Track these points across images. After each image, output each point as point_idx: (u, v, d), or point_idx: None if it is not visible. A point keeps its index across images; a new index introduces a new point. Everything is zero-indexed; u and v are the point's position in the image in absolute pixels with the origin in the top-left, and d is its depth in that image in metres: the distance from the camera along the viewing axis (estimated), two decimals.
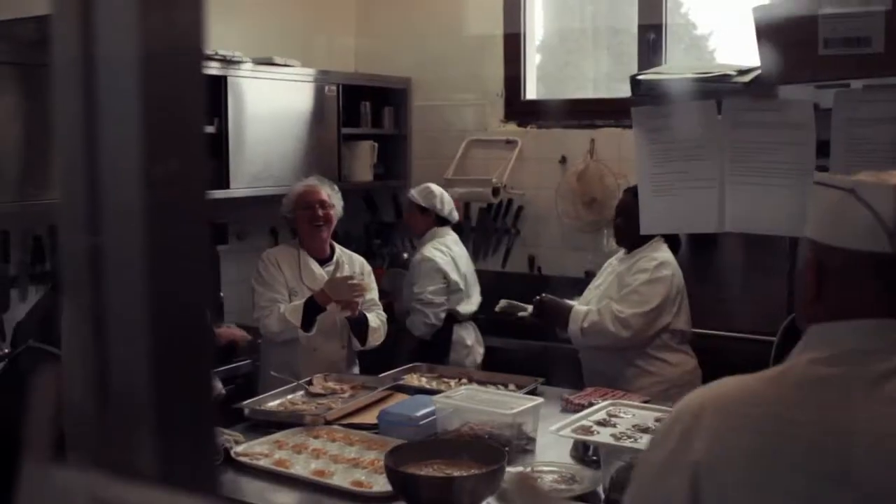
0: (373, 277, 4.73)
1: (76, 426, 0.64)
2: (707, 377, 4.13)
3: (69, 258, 0.64)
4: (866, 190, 1.52)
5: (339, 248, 4.62)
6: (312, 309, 4.22)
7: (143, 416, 0.62)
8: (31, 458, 0.62)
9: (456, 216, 5.25)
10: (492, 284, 5.73)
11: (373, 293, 4.60)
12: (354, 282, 4.29)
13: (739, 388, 1.57)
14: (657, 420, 3.15)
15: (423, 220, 5.17)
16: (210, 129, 5.04)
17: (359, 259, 4.68)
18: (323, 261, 4.48)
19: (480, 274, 5.86)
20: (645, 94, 3.04)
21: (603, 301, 4.10)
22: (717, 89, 2.89)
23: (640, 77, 3.12)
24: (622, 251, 4.28)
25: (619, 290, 4.08)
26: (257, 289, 4.38)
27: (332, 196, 4.49)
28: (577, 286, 5.59)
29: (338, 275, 4.32)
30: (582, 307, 4.16)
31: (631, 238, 4.10)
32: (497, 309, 4.44)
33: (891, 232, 1.47)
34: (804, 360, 1.53)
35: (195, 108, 0.65)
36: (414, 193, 5.19)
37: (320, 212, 4.39)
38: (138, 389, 0.62)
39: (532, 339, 5.27)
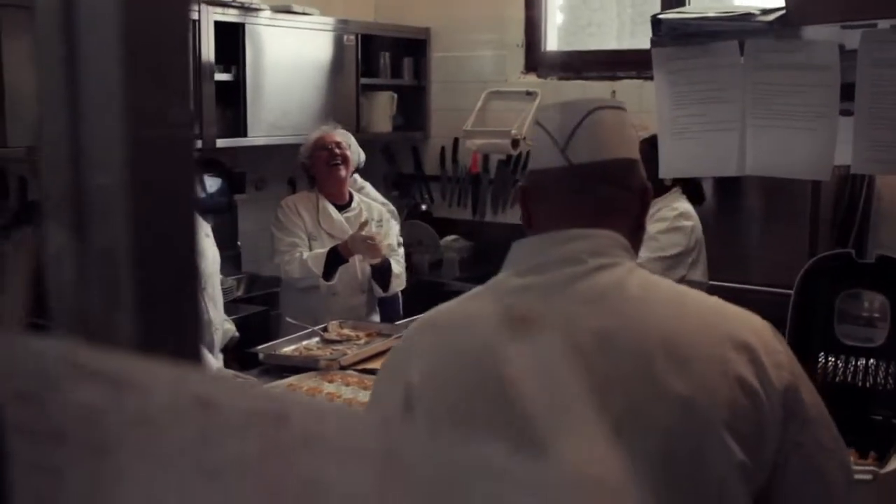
0: (393, 223, 4.70)
1: (55, 293, 0.62)
2: None
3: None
4: (542, 114, 1.69)
5: (357, 196, 4.59)
6: (335, 259, 4.22)
7: (123, 284, 0.60)
8: (6, 325, 0.59)
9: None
10: (510, 237, 5.70)
11: (391, 238, 4.58)
12: (373, 243, 4.26)
13: (450, 308, 1.66)
14: None
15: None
16: (227, 77, 5.01)
17: (378, 207, 4.65)
18: (342, 207, 4.47)
19: (496, 227, 5.83)
20: (666, 34, 2.98)
21: None
22: (739, 29, 2.83)
23: (661, 17, 3.06)
24: None
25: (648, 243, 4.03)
26: (276, 234, 4.39)
27: (350, 144, 4.49)
28: None
29: (361, 232, 4.28)
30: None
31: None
32: None
33: (562, 148, 1.61)
34: (502, 275, 1.64)
35: (181, 43, 0.61)
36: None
37: (337, 150, 4.38)
38: (119, 255, 0.60)
39: None
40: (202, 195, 4.89)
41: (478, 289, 1.67)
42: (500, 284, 1.63)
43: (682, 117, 3.05)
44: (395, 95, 6.00)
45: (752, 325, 1.53)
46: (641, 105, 5.53)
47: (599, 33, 6.13)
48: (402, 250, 4.72)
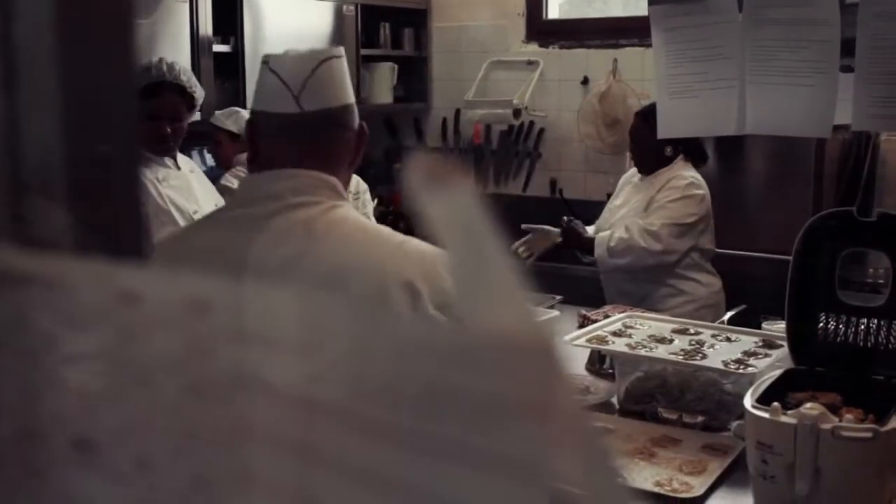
0: (368, 196, 4.65)
1: None
2: (730, 299, 4.09)
3: None
4: (274, 60, 1.83)
5: None
6: None
7: (56, 181, 0.57)
8: None
9: None
10: (513, 208, 5.66)
11: (368, 209, 4.54)
12: None
13: (183, 229, 2.00)
14: (674, 331, 3.09)
15: (233, 147, 4.50)
16: (226, 49, 4.98)
17: (355, 178, 4.59)
18: None
19: (501, 197, 5.78)
20: None
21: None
22: None
23: None
24: (637, 176, 4.21)
25: (647, 210, 4.00)
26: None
27: None
28: (600, 209, 5.53)
29: None
30: (606, 232, 4.07)
31: (648, 162, 4.04)
32: (524, 228, 4.35)
33: (295, 95, 1.78)
34: (222, 206, 1.93)
35: None
36: (220, 116, 4.57)
37: None
38: (51, 150, 0.57)
39: (553, 262, 5.21)
40: (202, 168, 4.86)
41: (201, 218, 2.01)
42: (217, 215, 1.96)
43: (681, 76, 3.01)
44: (396, 66, 5.95)
45: (424, 266, 1.71)
46: (644, 73, 5.49)
47: (605, 8, 6.07)
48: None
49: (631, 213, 4.09)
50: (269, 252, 1.70)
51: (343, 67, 1.87)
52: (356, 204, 4.41)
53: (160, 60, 3.49)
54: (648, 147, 3.90)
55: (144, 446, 0.48)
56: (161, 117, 3.44)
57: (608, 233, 4.03)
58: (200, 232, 1.90)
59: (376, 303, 1.60)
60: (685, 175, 3.95)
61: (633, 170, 4.29)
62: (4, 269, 0.53)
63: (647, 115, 3.76)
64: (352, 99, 1.89)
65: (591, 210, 5.45)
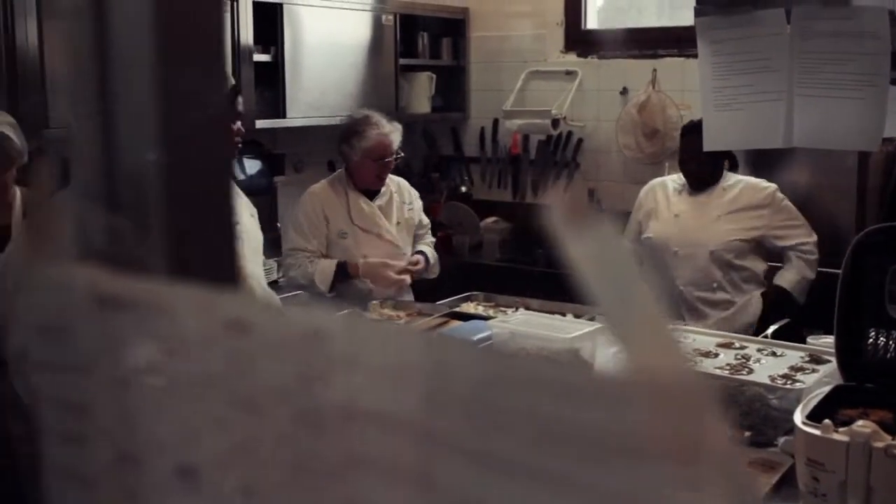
0: (419, 203, 4.61)
1: (81, 219, 0.59)
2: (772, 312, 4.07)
3: None
4: None
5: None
6: (343, 274, 4.14)
7: (154, 207, 0.57)
8: (30, 253, 0.57)
9: None
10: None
11: (421, 216, 4.52)
12: (385, 272, 4.18)
13: None
14: (719, 345, 3.06)
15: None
16: (266, 58, 5.00)
17: (407, 186, 4.55)
18: (373, 193, 4.34)
19: (537, 208, 5.74)
20: (710, 3, 2.92)
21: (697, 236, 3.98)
22: None
23: None
24: (680, 186, 4.18)
25: (748, 220, 3.97)
26: (290, 232, 4.28)
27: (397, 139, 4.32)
28: None
29: (410, 266, 4.24)
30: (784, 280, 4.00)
31: (710, 175, 4.03)
32: None
33: None
34: None
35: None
36: None
37: (391, 165, 4.23)
38: (148, 178, 0.57)
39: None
40: (242, 177, 4.88)
41: None
42: None
43: (727, 88, 2.99)
44: (434, 76, 5.95)
45: None
46: (684, 83, 5.47)
47: (640, 18, 6.05)
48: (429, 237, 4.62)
49: (696, 222, 4.02)
50: None
51: None
52: (408, 210, 4.39)
53: None
54: (712, 161, 3.85)
55: (251, 475, 0.48)
56: (233, 120, 3.43)
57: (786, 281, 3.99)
58: None
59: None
60: (757, 183, 3.98)
61: (661, 181, 4.29)
62: (103, 294, 0.53)
63: (686, 130, 3.78)
64: None
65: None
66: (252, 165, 5.11)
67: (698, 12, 3.01)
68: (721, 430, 0.33)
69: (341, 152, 4.34)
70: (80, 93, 0.59)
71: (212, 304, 0.49)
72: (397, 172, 4.60)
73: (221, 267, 0.59)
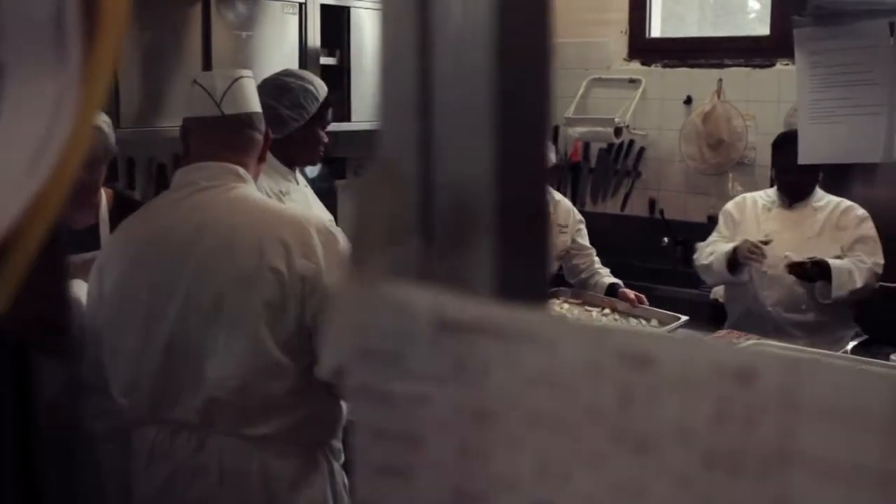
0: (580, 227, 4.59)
1: (395, 235, 0.56)
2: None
3: None
4: (201, 77, 2.51)
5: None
6: None
7: (480, 226, 0.53)
8: (364, 276, 0.53)
9: None
10: (611, 227, 5.60)
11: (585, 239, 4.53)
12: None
13: (133, 214, 2.46)
14: None
15: None
16: (332, 61, 4.98)
17: (568, 205, 4.57)
18: None
19: (597, 216, 5.71)
20: (812, 14, 2.86)
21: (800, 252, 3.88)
22: (891, 8, 2.71)
23: None
24: (773, 207, 4.07)
25: (834, 241, 3.89)
26: None
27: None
28: (700, 230, 5.44)
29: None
30: (842, 269, 3.83)
31: (805, 190, 3.95)
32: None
33: (216, 101, 2.38)
34: (163, 193, 2.54)
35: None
36: None
37: None
38: (477, 195, 0.53)
39: (677, 286, 5.11)
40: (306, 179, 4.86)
41: (145, 204, 2.64)
42: (155, 201, 2.58)
43: (824, 101, 2.93)
44: None
45: (295, 227, 2.27)
46: (749, 94, 5.41)
47: (682, 26, 6.00)
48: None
49: (801, 243, 3.92)
50: (181, 225, 2.29)
51: (253, 84, 2.51)
52: (572, 231, 4.39)
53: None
54: (809, 172, 3.77)
55: None
56: (325, 127, 3.51)
57: (844, 269, 3.83)
58: (141, 215, 2.46)
59: (255, 253, 2.22)
60: (854, 209, 3.91)
61: (751, 196, 4.20)
62: (449, 319, 0.50)
63: (778, 142, 3.72)
64: (259, 108, 2.49)
65: (691, 231, 5.38)
66: (313, 169, 5.09)
67: (797, 23, 2.96)
68: None
69: None
70: (396, 98, 0.55)
71: (602, 335, 0.45)
72: None
73: (539, 285, 0.56)
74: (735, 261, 3.91)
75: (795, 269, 3.77)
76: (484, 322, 0.48)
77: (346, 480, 2.49)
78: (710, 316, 4.46)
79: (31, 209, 0.60)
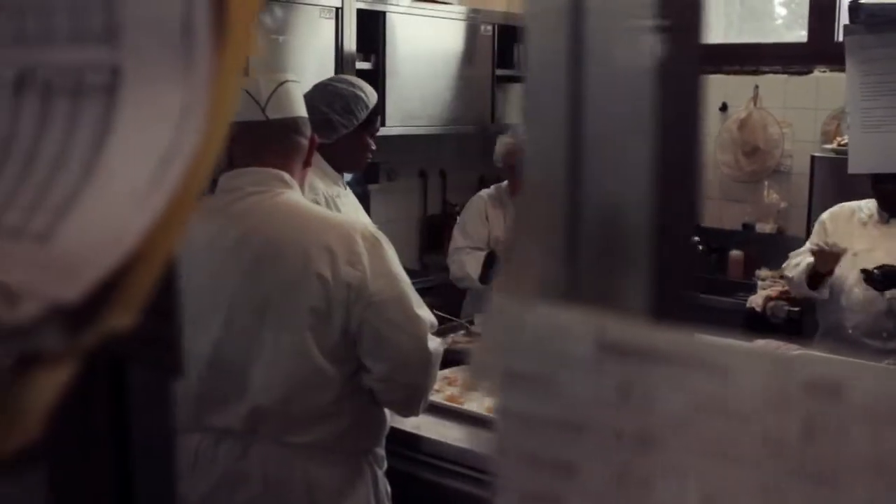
0: None
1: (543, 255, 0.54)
2: None
3: None
4: (245, 81, 2.41)
5: None
6: (492, 262, 4.15)
7: (633, 248, 0.52)
8: (515, 297, 0.52)
9: None
10: None
11: None
12: None
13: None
14: None
15: None
16: (367, 66, 4.97)
17: None
18: None
19: None
20: (864, 21, 2.83)
21: None
22: None
23: (860, 2, 2.91)
24: (870, 221, 3.80)
25: None
26: (455, 232, 4.42)
27: None
28: (734, 238, 5.39)
29: None
30: None
31: None
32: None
33: (262, 106, 2.37)
34: (209, 196, 2.40)
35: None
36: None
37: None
38: (630, 217, 0.52)
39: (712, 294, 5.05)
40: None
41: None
42: (202, 205, 2.59)
43: (876, 109, 2.89)
44: None
45: (341, 233, 2.25)
46: (786, 101, 5.35)
47: (709, 31, 5.95)
48: None
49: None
50: (227, 231, 2.27)
51: (298, 89, 2.50)
52: None
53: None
54: None
55: None
56: (373, 134, 3.51)
57: None
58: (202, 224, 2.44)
59: (301, 260, 2.20)
60: None
61: (849, 207, 3.90)
62: (611, 342, 0.48)
63: None
64: (304, 113, 2.47)
65: (726, 238, 5.34)
66: (347, 174, 5.07)
67: (848, 31, 2.93)
68: None
69: (495, 163, 4.44)
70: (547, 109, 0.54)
71: (787, 364, 0.43)
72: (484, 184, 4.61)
73: (689, 309, 0.54)
74: (816, 275, 3.70)
75: (866, 274, 3.58)
76: (650, 346, 0.47)
77: (388, 488, 2.47)
78: (744, 325, 4.41)
79: (157, 224, 0.58)
